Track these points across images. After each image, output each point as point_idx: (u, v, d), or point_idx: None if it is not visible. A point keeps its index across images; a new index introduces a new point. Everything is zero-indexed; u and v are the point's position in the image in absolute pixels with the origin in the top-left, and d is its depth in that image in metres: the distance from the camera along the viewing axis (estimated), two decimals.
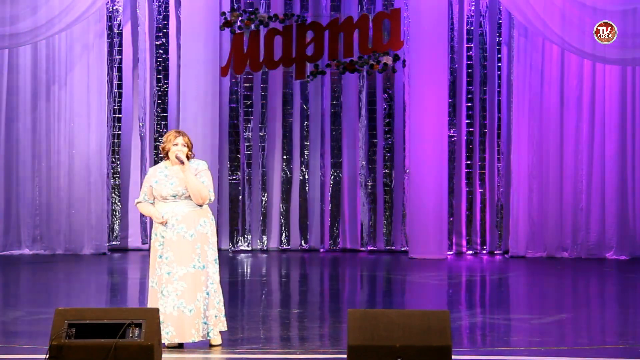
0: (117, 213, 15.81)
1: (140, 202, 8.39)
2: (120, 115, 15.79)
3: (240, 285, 12.95)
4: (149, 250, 15.61)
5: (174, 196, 8.19)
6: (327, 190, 15.94)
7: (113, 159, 15.76)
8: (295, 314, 10.30)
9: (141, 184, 15.74)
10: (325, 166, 15.95)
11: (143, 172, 15.83)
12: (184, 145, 8.19)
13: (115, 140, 15.78)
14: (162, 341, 7.70)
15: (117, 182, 15.81)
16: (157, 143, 15.90)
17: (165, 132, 15.73)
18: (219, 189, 15.58)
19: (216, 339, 8.27)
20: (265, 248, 15.93)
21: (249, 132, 15.92)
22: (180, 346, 8.21)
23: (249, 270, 14.37)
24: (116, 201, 15.82)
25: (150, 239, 8.44)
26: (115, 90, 15.74)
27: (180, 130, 8.40)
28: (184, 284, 8.08)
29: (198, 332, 8.11)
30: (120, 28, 15.73)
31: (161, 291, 8.10)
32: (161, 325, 7.79)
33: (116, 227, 15.81)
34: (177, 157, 8.16)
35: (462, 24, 15.80)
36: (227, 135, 15.87)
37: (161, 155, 8.41)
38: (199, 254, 8.17)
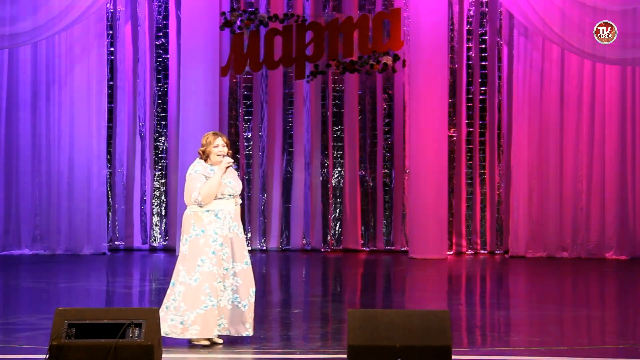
0: (117, 213, 15.80)
1: (198, 190, 8.31)
2: (120, 116, 15.79)
3: None
4: (149, 250, 15.68)
5: (230, 195, 8.39)
6: (327, 190, 15.94)
7: (112, 159, 15.76)
8: (295, 314, 10.30)
9: (141, 184, 15.80)
10: (325, 166, 15.95)
11: (143, 172, 15.83)
12: (224, 146, 8.38)
13: (115, 140, 15.77)
14: (214, 333, 8.17)
15: (117, 182, 15.80)
16: (157, 143, 15.89)
17: (165, 132, 15.84)
18: None
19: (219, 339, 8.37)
20: (264, 248, 15.93)
21: (249, 132, 15.93)
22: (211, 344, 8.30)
23: None
24: (116, 201, 15.80)
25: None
26: (116, 91, 15.74)
27: (217, 132, 8.62)
28: (239, 280, 8.29)
29: (251, 326, 8.31)
30: (121, 28, 15.73)
31: (225, 287, 8.28)
32: (213, 318, 8.15)
33: (116, 227, 15.80)
34: (234, 167, 8.49)
35: (462, 24, 15.80)
36: (227, 136, 15.87)
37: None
38: (247, 251, 8.47)
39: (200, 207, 8.30)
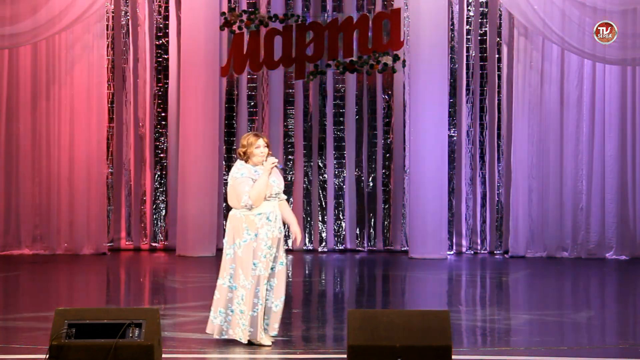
0: (117, 213, 15.79)
1: (248, 194, 8.32)
2: (120, 116, 15.78)
3: None
4: (150, 250, 15.67)
5: (277, 194, 8.43)
6: (327, 190, 15.94)
7: (113, 159, 15.75)
8: (295, 314, 10.30)
9: (141, 184, 15.79)
10: (325, 166, 15.95)
11: (143, 172, 15.82)
12: (265, 146, 8.41)
13: (115, 140, 15.76)
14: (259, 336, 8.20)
15: (117, 182, 15.79)
16: (157, 143, 15.88)
17: (165, 132, 15.83)
18: (219, 190, 15.58)
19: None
20: None
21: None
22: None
23: None
24: (116, 201, 15.79)
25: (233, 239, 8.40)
26: (116, 91, 15.73)
27: (258, 132, 8.65)
28: (276, 280, 8.40)
29: (277, 324, 8.43)
30: (120, 28, 15.73)
31: (270, 288, 8.35)
32: (260, 321, 8.24)
33: (116, 227, 15.79)
34: (279, 167, 8.49)
35: (462, 24, 15.80)
36: (227, 136, 15.87)
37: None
38: (284, 252, 8.52)
39: (250, 210, 8.31)
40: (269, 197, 8.36)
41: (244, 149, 8.38)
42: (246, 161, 8.40)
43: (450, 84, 15.63)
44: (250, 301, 8.25)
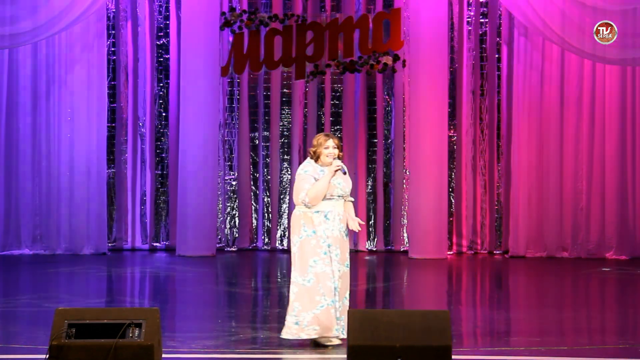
0: (117, 213, 15.79)
1: (306, 191, 8.31)
2: (120, 115, 15.78)
3: (238, 285, 12.96)
4: (150, 250, 15.67)
5: (340, 196, 8.41)
6: None
7: (113, 159, 15.76)
8: None
9: (141, 184, 15.79)
10: None
11: (143, 172, 15.83)
12: (334, 147, 8.40)
13: (115, 140, 15.77)
14: (333, 333, 8.19)
15: (117, 182, 15.79)
16: (157, 143, 15.88)
17: (166, 132, 15.84)
18: (220, 190, 15.58)
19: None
20: (268, 248, 15.92)
21: (251, 132, 15.92)
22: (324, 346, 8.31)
23: (250, 270, 14.37)
24: (116, 201, 15.80)
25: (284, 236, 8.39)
26: (116, 91, 15.74)
27: (329, 133, 8.63)
28: (340, 282, 8.34)
29: (341, 329, 8.31)
30: (120, 28, 15.73)
31: (335, 287, 8.28)
32: (330, 317, 8.19)
33: (116, 227, 15.80)
34: (342, 171, 8.40)
35: (462, 24, 15.80)
36: (227, 136, 15.87)
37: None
38: (348, 254, 8.48)
39: (308, 207, 8.32)
40: (330, 197, 8.34)
41: (314, 149, 8.42)
42: (316, 160, 8.43)
43: (450, 84, 15.63)
44: (312, 299, 8.22)
